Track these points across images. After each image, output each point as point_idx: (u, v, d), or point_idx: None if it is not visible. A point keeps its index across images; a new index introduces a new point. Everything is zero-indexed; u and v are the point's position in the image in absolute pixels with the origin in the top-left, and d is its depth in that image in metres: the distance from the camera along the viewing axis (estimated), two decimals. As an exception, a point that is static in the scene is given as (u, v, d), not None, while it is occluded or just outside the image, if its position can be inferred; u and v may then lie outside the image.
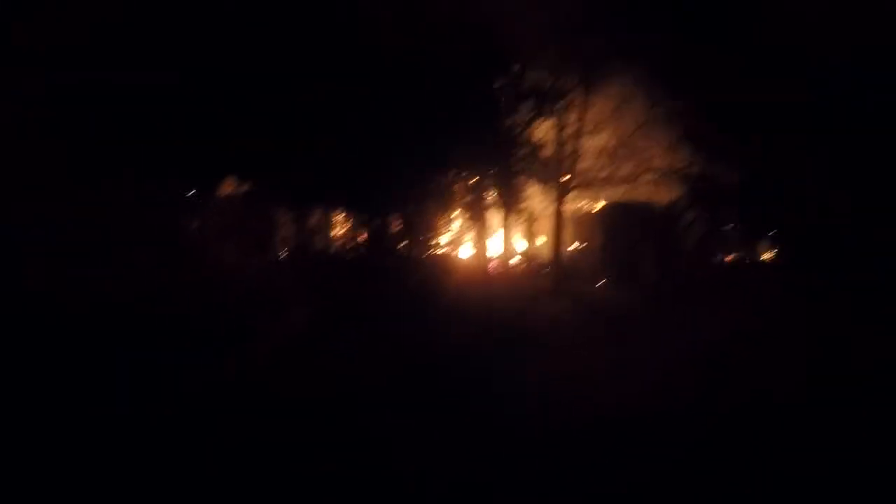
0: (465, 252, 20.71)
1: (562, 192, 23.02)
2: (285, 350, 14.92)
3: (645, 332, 16.50)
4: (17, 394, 11.02)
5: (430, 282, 17.35)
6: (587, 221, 26.58)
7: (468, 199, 19.21)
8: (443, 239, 18.64)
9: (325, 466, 8.49)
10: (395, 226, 18.61)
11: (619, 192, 24.84)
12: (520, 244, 25.82)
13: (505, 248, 24.83)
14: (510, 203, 19.81)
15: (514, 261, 25.67)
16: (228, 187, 22.43)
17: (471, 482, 8.11)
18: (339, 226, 27.40)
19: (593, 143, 22.95)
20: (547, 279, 23.75)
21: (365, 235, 21.70)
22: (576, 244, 26.83)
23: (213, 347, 14.44)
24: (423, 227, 18.49)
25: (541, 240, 25.61)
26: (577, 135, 22.65)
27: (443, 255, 18.58)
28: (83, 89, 18.29)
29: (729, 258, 26.52)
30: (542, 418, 10.35)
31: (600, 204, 26.01)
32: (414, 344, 14.52)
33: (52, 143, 18.34)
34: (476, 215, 19.94)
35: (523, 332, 16.21)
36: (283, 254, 25.91)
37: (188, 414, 10.47)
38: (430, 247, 19.27)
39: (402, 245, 18.79)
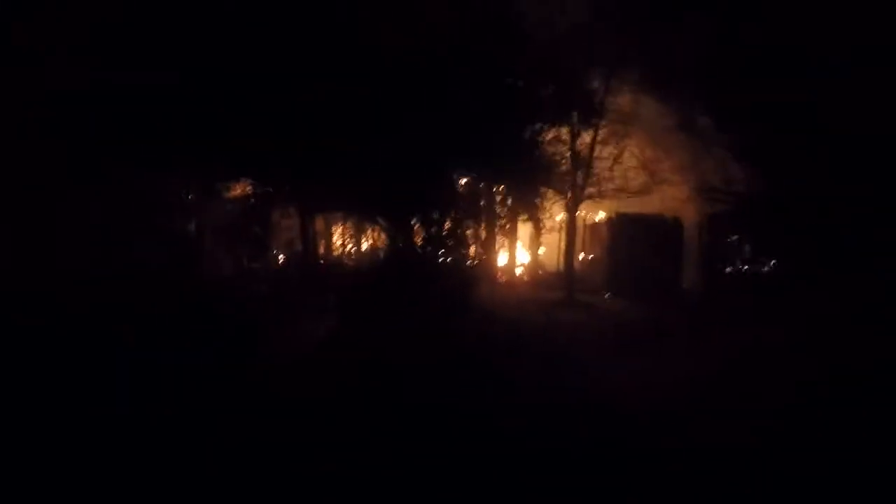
0: (477, 261, 20.24)
1: (575, 201, 22.65)
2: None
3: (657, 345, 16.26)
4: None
5: (443, 290, 16.80)
6: (598, 232, 26.38)
7: (482, 207, 18.72)
8: (455, 248, 18.06)
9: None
10: (404, 232, 18.07)
11: (629, 204, 24.58)
12: (529, 254, 25.44)
13: (517, 258, 24.50)
14: (525, 212, 19.38)
15: (521, 271, 25.33)
16: (232, 187, 21.93)
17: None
18: (344, 231, 27.22)
19: (607, 154, 22.55)
20: (560, 289, 23.34)
21: (370, 242, 21.30)
22: (588, 255, 26.60)
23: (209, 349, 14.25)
24: (433, 234, 17.97)
25: (547, 249, 25.14)
26: (593, 144, 22.27)
27: (454, 263, 18.02)
28: (76, 88, 18.31)
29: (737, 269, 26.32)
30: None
31: (610, 214, 25.77)
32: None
33: (46, 143, 17.88)
34: (489, 224, 19.50)
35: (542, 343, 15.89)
36: (285, 258, 25.56)
37: (181, 416, 10.30)
38: (441, 255, 18.74)
39: (409, 252, 18.25)
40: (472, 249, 18.61)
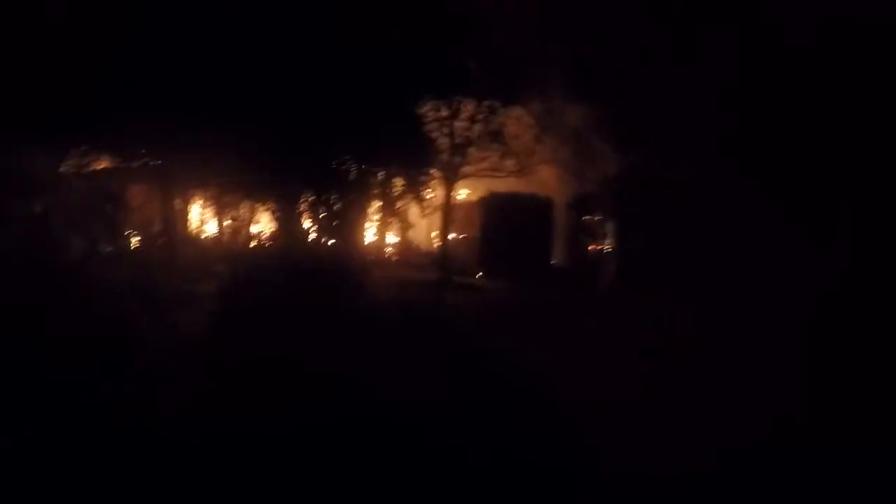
0: (350, 242, 19.58)
1: (450, 181, 22.43)
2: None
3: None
4: None
5: (322, 272, 16.11)
6: (470, 212, 26.34)
7: (358, 187, 18.08)
8: (340, 229, 17.37)
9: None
10: (289, 214, 17.20)
11: (504, 184, 24.69)
12: (399, 234, 25.02)
13: (383, 238, 24.02)
14: (409, 192, 18.94)
15: (391, 251, 24.94)
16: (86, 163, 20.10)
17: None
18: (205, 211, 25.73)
19: (481, 134, 22.46)
20: (431, 270, 23.11)
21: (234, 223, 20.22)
22: (459, 234, 26.52)
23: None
24: (309, 215, 17.22)
25: (416, 229, 24.84)
26: (469, 125, 22.12)
27: (340, 246, 17.34)
28: None
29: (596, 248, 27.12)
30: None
31: (480, 195, 25.82)
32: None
33: None
34: (363, 204, 18.90)
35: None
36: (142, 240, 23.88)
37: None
38: (317, 236, 18.01)
39: (296, 234, 17.43)
40: (355, 231, 17.96)
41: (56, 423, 10.03)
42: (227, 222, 20.24)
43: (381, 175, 19.08)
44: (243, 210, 18.72)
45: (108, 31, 14.21)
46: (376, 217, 21.58)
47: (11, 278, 15.89)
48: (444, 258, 23.08)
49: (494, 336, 15.11)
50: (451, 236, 24.36)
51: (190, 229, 25.38)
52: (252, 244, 19.11)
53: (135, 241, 24.10)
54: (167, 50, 14.37)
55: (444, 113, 21.55)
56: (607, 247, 26.64)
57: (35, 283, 15.71)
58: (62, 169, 20.52)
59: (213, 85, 14.79)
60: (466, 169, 23.11)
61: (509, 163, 23.23)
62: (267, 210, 17.86)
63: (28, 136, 17.32)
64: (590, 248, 27.14)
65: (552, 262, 25.51)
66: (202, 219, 25.71)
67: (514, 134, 22.95)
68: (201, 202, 23.97)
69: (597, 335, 14.49)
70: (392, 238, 25.50)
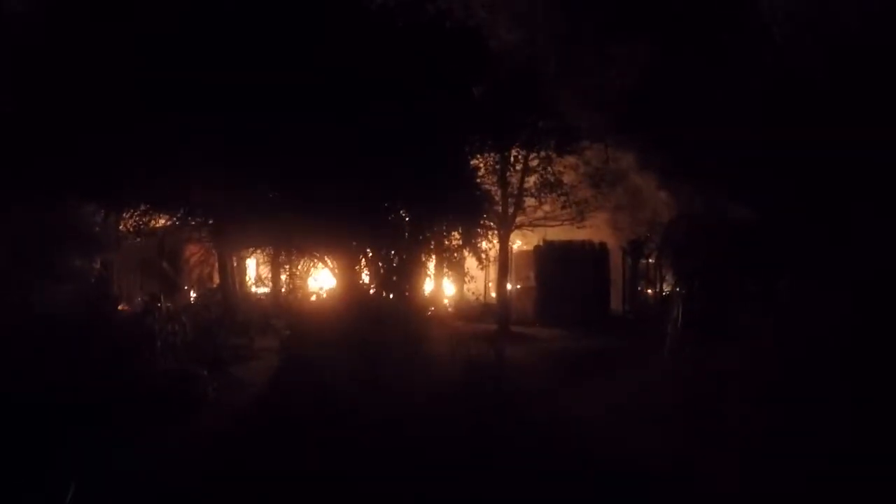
0: (408, 295, 19.41)
1: (505, 232, 22.34)
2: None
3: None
4: None
5: (394, 329, 16.00)
6: (525, 261, 26.20)
7: (415, 241, 17.97)
8: (400, 284, 17.22)
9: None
10: (349, 270, 17.12)
11: (554, 232, 24.57)
12: (455, 285, 24.84)
13: (441, 290, 23.87)
14: (466, 244, 18.77)
15: (447, 303, 24.76)
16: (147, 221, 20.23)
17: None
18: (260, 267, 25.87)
19: (537, 184, 22.46)
20: (489, 321, 22.88)
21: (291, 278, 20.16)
22: (515, 284, 26.32)
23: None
24: (381, 271, 17.13)
25: (476, 281, 24.62)
26: (524, 175, 22.15)
27: (399, 300, 17.17)
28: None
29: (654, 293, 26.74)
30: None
31: (537, 242, 25.67)
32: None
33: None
34: (420, 258, 18.74)
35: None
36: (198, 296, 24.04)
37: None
38: (375, 290, 17.87)
39: (356, 290, 17.32)
40: (413, 285, 17.76)
41: (114, 478, 10.03)
42: (284, 277, 20.25)
43: (437, 228, 18.95)
44: (301, 266, 18.70)
45: (169, 98, 14.36)
46: (433, 270, 21.40)
47: (72, 332, 16.02)
48: (501, 309, 22.81)
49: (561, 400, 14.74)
50: (507, 287, 24.14)
51: (247, 285, 25.55)
52: (311, 299, 19.03)
53: (192, 296, 24.31)
54: (227, 116, 14.44)
55: (500, 164, 21.52)
56: (666, 291, 26.25)
57: (95, 338, 15.75)
58: (122, 227, 20.71)
59: (270, 149, 14.84)
60: (521, 219, 23.05)
61: (565, 211, 23.09)
62: (324, 265, 17.79)
63: (88, 195, 17.58)
64: (647, 292, 26.81)
65: (610, 309, 25.11)
66: (259, 274, 25.91)
67: (570, 182, 22.83)
68: (258, 258, 24.17)
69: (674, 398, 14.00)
70: (449, 290, 25.36)
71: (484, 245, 20.58)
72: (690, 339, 18.22)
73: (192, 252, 24.43)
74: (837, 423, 11.22)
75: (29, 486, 9.27)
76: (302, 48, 14.61)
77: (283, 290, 20.73)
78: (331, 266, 17.37)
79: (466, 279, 20.83)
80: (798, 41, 16.98)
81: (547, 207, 23.44)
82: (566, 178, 22.54)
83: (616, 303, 25.82)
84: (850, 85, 15.64)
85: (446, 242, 18.68)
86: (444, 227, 18.42)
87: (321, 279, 20.24)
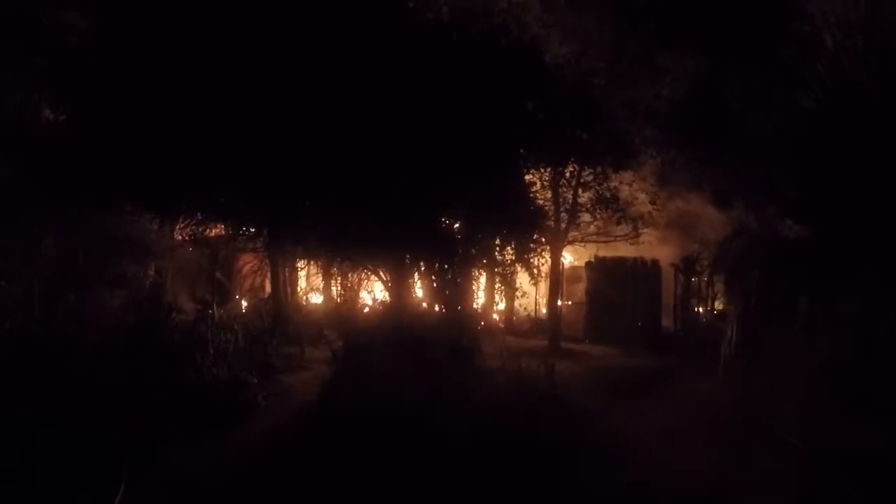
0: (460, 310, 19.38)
1: (557, 247, 22.17)
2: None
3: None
4: None
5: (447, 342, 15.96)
6: (576, 277, 26.03)
7: (467, 255, 17.92)
8: (454, 297, 17.17)
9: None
10: (403, 283, 17.13)
11: (606, 248, 24.37)
12: (505, 300, 24.73)
13: (492, 305, 23.74)
14: (520, 259, 18.65)
15: (497, 318, 24.62)
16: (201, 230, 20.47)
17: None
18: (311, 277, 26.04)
19: (591, 200, 22.30)
20: (542, 336, 22.75)
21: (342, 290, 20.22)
22: (566, 300, 26.10)
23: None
24: (436, 284, 17.11)
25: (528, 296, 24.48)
26: (578, 191, 21.99)
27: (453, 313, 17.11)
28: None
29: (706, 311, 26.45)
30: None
31: (588, 258, 25.48)
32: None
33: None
34: (472, 272, 18.67)
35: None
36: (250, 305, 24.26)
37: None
38: (428, 304, 17.87)
39: (410, 302, 17.35)
40: (465, 299, 17.70)
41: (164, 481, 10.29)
42: (336, 289, 20.36)
43: (490, 242, 18.90)
44: (353, 277, 18.79)
45: (229, 110, 14.52)
46: (485, 284, 21.35)
47: (127, 338, 16.30)
48: (552, 324, 22.65)
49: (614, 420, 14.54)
50: (558, 302, 23.97)
51: (298, 295, 25.74)
52: (363, 311, 19.09)
53: (244, 305, 24.55)
54: (287, 128, 14.56)
55: (554, 178, 21.41)
56: (717, 309, 25.88)
57: (149, 343, 15.99)
58: (177, 235, 21.00)
59: (328, 163, 14.90)
60: (574, 234, 22.89)
61: (619, 228, 22.89)
62: (378, 278, 17.85)
63: (147, 206, 17.83)
64: (699, 310, 26.48)
65: (661, 327, 24.80)
66: (311, 285, 26.09)
67: (624, 198, 22.63)
68: (311, 269, 24.32)
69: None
70: (501, 305, 25.27)
71: (536, 260, 20.45)
72: (744, 359, 17.90)
73: (246, 261, 24.67)
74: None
75: (80, 486, 9.49)
76: (363, 65, 14.62)
77: (335, 301, 20.80)
78: (384, 279, 17.34)
79: (518, 294, 20.55)
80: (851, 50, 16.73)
81: (600, 223, 23.25)
82: (621, 194, 22.29)
83: (667, 320, 25.49)
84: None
85: (499, 257, 18.51)
86: (498, 242, 18.27)
87: (374, 291, 20.32)
